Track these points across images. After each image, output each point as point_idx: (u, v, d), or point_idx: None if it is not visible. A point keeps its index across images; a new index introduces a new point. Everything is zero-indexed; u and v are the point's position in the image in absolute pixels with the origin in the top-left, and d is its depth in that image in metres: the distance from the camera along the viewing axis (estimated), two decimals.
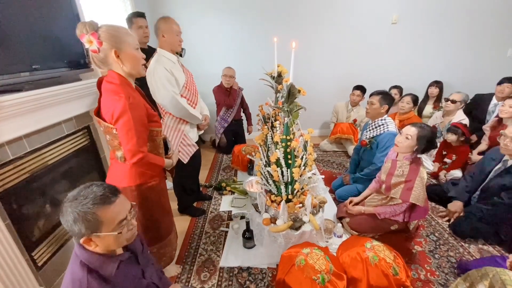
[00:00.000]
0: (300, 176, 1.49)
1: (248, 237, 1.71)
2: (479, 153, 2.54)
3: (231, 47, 3.54)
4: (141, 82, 1.98)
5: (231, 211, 2.20)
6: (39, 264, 1.38)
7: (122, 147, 1.09)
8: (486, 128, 2.64)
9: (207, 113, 1.99)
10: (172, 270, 1.59)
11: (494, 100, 2.90)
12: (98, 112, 1.14)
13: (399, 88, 3.44)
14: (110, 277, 0.78)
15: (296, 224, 1.56)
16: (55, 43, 1.46)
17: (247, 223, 1.71)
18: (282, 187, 1.53)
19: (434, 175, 2.65)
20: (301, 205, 1.57)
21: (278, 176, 1.49)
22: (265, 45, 3.45)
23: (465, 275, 1.18)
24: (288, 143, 1.47)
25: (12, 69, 1.21)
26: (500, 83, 2.81)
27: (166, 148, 1.39)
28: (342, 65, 3.68)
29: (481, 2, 3.33)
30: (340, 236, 1.76)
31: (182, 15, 3.26)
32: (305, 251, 1.37)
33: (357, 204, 1.93)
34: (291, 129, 1.50)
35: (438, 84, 3.28)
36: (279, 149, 1.48)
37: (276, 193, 1.59)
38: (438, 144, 2.71)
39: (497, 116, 2.51)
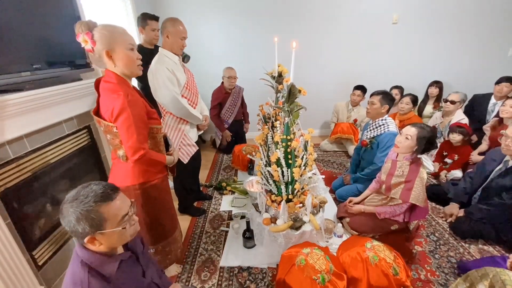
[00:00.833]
0: (301, 176, 1.50)
1: (248, 236, 1.71)
2: (480, 153, 2.54)
3: (232, 47, 3.54)
4: (144, 83, 2.01)
5: (231, 210, 2.21)
6: (40, 264, 1.38)
7: (123, 145, 1.10)
8: (487, 128, 2.64)
9: (207, 113, 1.99)
10: (172, 269, 1.59)
11: (493, 100, 2.91)
12: (97, 112, 1.14)
13: (400, 88, 3.44)
14: (111, 276, 0.78)
15: (296, 224, 1.56)
16: (56, 43, 1.46)
17: (248, 223, 1.71)
18: (283, 187, 1.53)
19: (434, 175, 2.65)
20: (301, 205, 1.57)
21: (279, 176, 1.49)
22: (266, 45, 3.45)
23: (465, 275, 1.18)
24: (289, 143, 1.47)
25: (13, 68, 1.21)
26: (498, 82, 2.82)
27: (167, 146, 1.39)
28: (342, 65, 3.68)
29: (482, 1, 3.33)
30: (340, 236, 1.77)
31: (182, 15, 3.21)
32: (305, 251, 1.37)
33: (357, 204, 1.93)
34: (291, 129, 1.50)
35: (438, 84, 3.28)
36: (279, 149, 1.48)
37: (276, 193, 1.59)
38: (439, 145, 2.71)
39: (497, 116, 2.52)
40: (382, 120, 2.07)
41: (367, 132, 2.17)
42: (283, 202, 1.52)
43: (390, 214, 1.69)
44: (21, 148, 1.29)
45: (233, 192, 2.47)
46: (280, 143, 1.48)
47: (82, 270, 0.75)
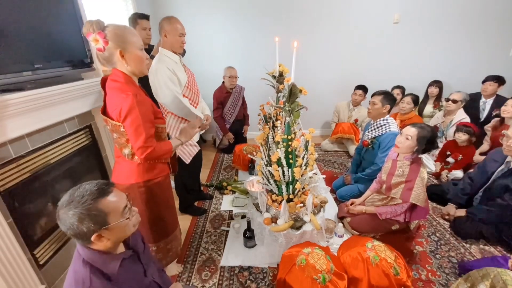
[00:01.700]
0: (301, 175, 1.49)
1: (249, 236, 1.71)
2: (481, 154, 2.53)
3: (232, 47, 3.53)
4: (144, 82, 2.00)
5: (232, 210, 2.21)
6: (41, 263, 1.39)
7: (132, 144, 1.11)
8: (488, 128, 2.63)
9: (208, 113, 1.99)
10: (173, 269, 1.59)
11: (483, 98, 3.00)
12: (104, 111, 1.15)
13: (401, 88, 3.43)
14: (113, 275, 0.78)
15: (297, 223, 1.56)
16: (57, 42, 1.46)
17: (248, 223, 1.71)
18: (283, 186, 1.53)
19: (436, 175, 2.64)
20: (302, 204, 1.57)
21: (279, 175, 1.49)
22: (267, 45, 3.44)
23: (466, 275, 1.18)
24: (289, 143, 1.47)
25: (14, 68, 1.22)
26: (484, 81, 2.93)
27: None
28: (343, 64, 3.67)
29: (482, 2, 3.32)
30: (341, 236, 1.77)
31: (182, 15, 3.23)
32: (306, 250, 1.37)
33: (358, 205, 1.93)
34: (292, 128, 1.50)
35: (437, 83, 3.28)
36: (280, 148, 1.48)
37: (277, 192, 1.59)
38: (441, 145, 2.70)
39: (497, 116, 2.52)
40: (383, 120, 2.06)
41: (368, 132, 2.16)
42: (283, 202, 1.52)
43: (391, 214, 1.69)
44: (22, 148, 1.30)
45: (233, 192, 2.47)
46: (281, 142, 1.48)
47: (84, 269, 0.75)
